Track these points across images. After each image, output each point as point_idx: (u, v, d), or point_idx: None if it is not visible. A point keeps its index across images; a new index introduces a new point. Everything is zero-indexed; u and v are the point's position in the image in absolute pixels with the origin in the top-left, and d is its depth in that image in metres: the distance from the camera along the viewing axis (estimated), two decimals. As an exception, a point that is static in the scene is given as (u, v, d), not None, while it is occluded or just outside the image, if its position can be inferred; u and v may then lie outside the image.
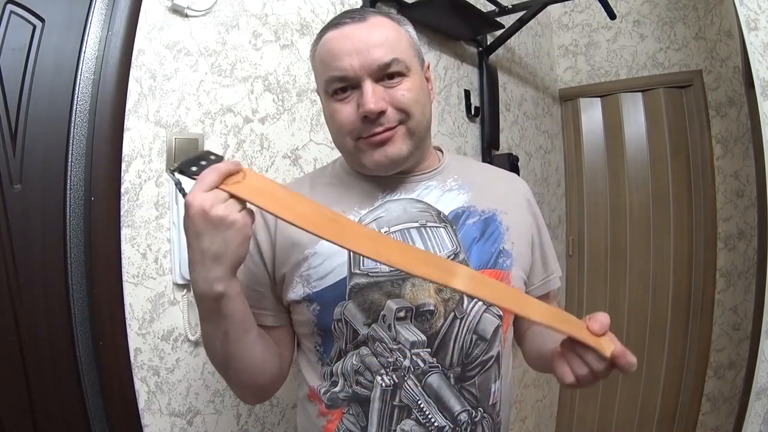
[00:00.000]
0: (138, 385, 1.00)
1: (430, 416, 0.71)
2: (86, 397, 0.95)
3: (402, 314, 0.71)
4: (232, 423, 1.17)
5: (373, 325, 0.72)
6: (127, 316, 0.99)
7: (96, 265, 0.95)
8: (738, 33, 1.70)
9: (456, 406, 0.72)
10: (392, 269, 0.71)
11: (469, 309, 0.73)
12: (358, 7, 0.71)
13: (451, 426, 0.72)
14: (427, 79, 0.80)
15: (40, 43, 0.90)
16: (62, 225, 0.93)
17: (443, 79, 1.82)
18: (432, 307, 0.72)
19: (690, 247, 2.36)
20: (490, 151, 2.02)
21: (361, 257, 0.72)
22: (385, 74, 0.71)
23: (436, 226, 0.75)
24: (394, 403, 0.72)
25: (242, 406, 1.19)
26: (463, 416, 0.72)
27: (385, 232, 0.74)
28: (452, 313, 0.73)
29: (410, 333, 0.72)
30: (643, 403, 2.38)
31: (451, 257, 0.74)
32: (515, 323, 0.86)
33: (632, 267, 2.48)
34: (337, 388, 0.75)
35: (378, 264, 0.71)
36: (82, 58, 0.95)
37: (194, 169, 0.60)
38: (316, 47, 0.76)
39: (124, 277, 0.99)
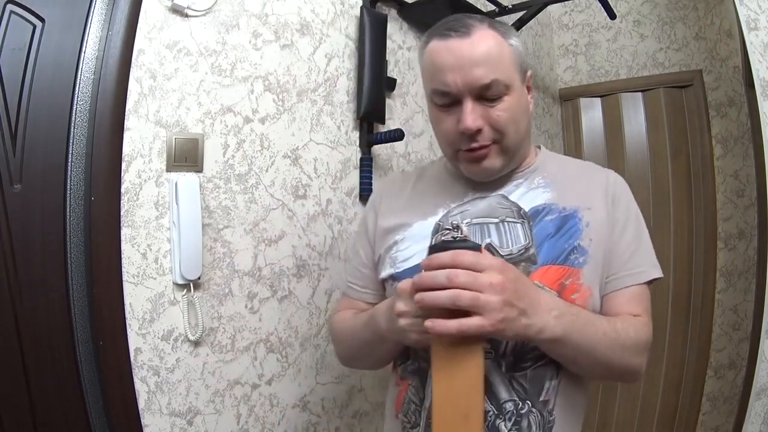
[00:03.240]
0: (138, 385, 1.00)
1: None
2: (86, 397, 0.95)
3: None
4: (232, 423, 1.17)
5: None
6: (127, 316, 0.99)
7: (96, 265, 0.95)
8: (738, 33, 1.70)
9: (503, 393, 0.74)
10: None
11: None
12: (463, 17, 0.73)
13: (496, 412, 0.74)
14: (528, 89, 0.83)
15: (40, 43, 0.90)
16: (62, 225, 0.93)
17: (443, 79, 1.82)
18: None
19: (690, 247, 2.36)
20: (490, 151, 2.02)
21: None
22: (485, 92, 0.75)
23: (513, 222, 0.80)
24: None
25: (242, 406, 1.19)
26: (509, 405, 0.74)
27: (466, 223, 0.81)
28: None
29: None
30: (643, 403, 2.38)
31: (522, 251, 0.77)
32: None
33: (632, 267, 2.47)
34: (409, 361, 0.83)
35: None
36: (82, 58, 0.95)
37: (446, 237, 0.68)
38: (423, 51, 0.81)
39: (124, 277, 0.99)
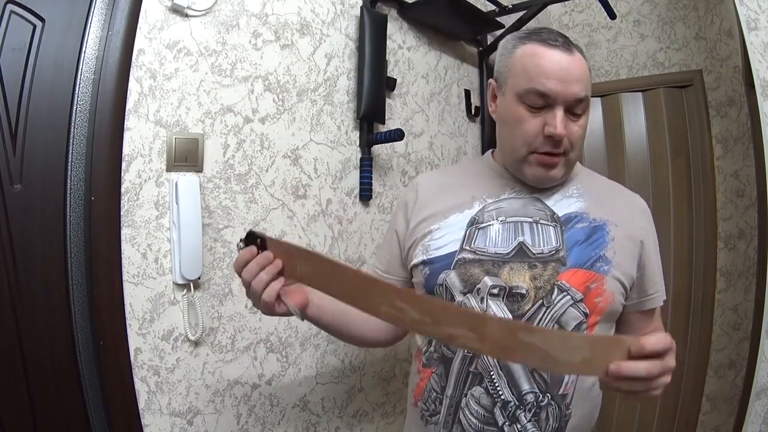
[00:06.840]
0: (138, 385, 1.00)
1: (498, 388, 0.78)
2: (86, 397, 0.95)
3: (496, 291, 0.80)
4: (232, 423, 1.17)
5: (467, 295, 0.82)
6: (127, 316, 0.99)
7: (96, 265, 0.95)
8: (738, 33, 1.70)
9: (524, 385, 0.78)
10: (497, 252, 0.82)
11: (556, 300, 0.79)
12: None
13: (516, 403, 0.77)
14: None
15: (40, 43, 0.90)
16: (62, 225, 0.93)
17: (443, 79, 1.82)
18: (524, 291, 0.79)
19: (690, 247, 2.36)
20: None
21: (475, 237, 0.85)
22: (573, 107, 0.80)
23: (546, 224, 0.84)
24: (470, 369, 0.81)
25: (242, 406, 1.19)
26: (529, 397, 0.78)
27: (501, 221, 0.85)
28: (541, 300, 0.79)
29: (499, 309, 0.80)
30: (643, 403, 2.38)
31: (553, 252, 0.82)
32: (620, 325, 0.91)
33: (632, 267, 2.47)
34: (432, 348, 0.86)
35: (486, 245, 0.83)
36: (82, 58, 0.95)
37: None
38: (515, 50, 0.84)
39: (124, 277, 0.99)
